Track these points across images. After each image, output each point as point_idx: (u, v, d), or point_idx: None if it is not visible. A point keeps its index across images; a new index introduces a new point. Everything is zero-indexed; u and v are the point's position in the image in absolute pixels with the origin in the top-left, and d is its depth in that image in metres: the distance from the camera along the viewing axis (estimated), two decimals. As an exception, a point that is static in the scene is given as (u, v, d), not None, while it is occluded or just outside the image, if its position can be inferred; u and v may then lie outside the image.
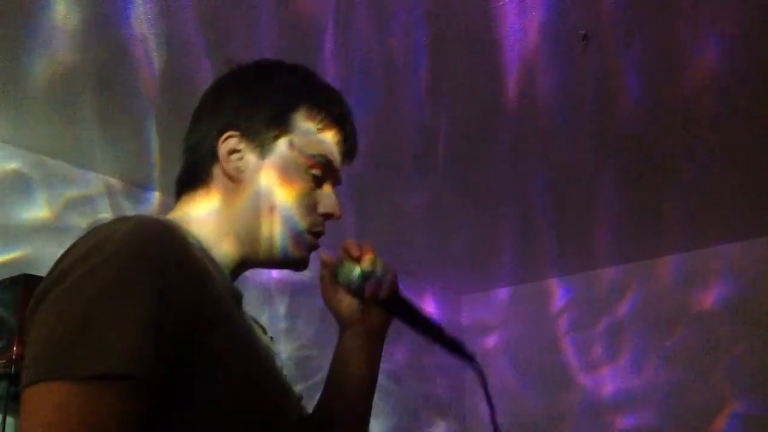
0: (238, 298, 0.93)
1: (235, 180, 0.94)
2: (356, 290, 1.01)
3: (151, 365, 0.72)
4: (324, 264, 1.01)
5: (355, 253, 1.00)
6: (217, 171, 0.95)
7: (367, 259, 1.00)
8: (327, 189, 0.98)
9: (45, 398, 0.70)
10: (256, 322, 1.05)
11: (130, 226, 0.78)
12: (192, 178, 0.97)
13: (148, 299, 0.73)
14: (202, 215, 0.94)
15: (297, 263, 0.98)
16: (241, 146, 0.94)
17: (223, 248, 0.93)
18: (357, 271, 0.99)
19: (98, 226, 0.81)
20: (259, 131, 0.95)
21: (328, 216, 0.98)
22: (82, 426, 0.69)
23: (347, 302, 1.03)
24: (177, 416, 0.76)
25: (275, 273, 3.03)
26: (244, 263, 0.96)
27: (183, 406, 0.76)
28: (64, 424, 0.68)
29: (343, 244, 1.02)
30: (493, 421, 0.97)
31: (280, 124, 0.95)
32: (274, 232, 0.94)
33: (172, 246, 0.79)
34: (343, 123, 1.00)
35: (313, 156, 0.95)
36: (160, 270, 0.75)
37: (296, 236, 0.95)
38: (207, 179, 0.95)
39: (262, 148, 0.94)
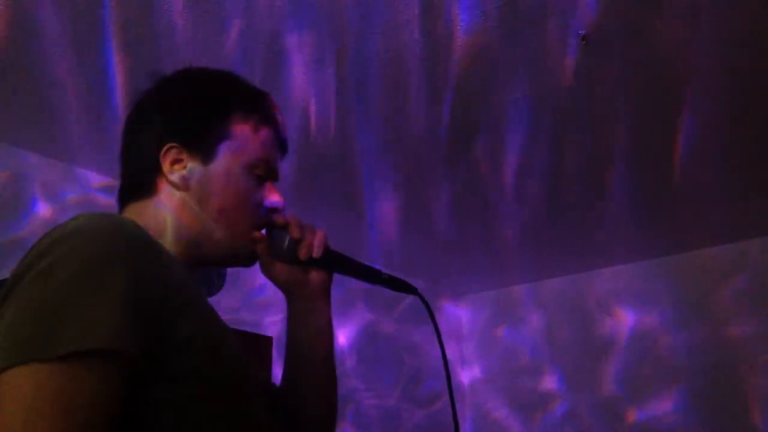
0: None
1: (181, 188, 0.99)
2: (291, 257, 1.05)
3: (129, 341, 0.74)
4: (256, 240, 1.03)
5: (281, 223, 1.05)
6: (161, 181, 1.00)
7: (294, 226, 1.04)
8: (269, 185, 1.05)
9: (23, 381, 0.69)
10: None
11: (96, 217, 0.82)
12: (136, 189, 1.01)
13: (123, 278, 0.76)
14: (154, 222, 0.98)
15: (247, 259, 1.05)
16: (183, 156, 0.99)
17: (176, 250, 0.98)
18: (287, 239, 1.04)
19: (62, 223, 0.83)
20: (198, 140, 1.00)
21: (274, 210, 1.04)
22: (64, 405, 0.69)
23: (285, 271, 1.06)
24: (152, 394, 0.77)
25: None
26: (198, 262, 1.01)
27: (159, 385, 0.78)
28: (46, 405, 0.68)
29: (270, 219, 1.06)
30: (441, 346, 1.06)
31: (219, 131, 1.00)
32: (225, 233, 0.99)
33: (138, 233, 0.84)
34: (273, 121, 1.06)
35: (254, 158, 1.01)
36: (131, 253, 0.79)
37: (245, 234, 1.01)
38: (152, 189, 1.00)
39: (204, 155, 0.99)
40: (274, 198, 1.04)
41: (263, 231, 1.05)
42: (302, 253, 1.04)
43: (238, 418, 0.84)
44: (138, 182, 1.02)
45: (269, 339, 3.25)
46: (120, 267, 0.77)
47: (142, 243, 0.83)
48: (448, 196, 2.96)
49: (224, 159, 1.00)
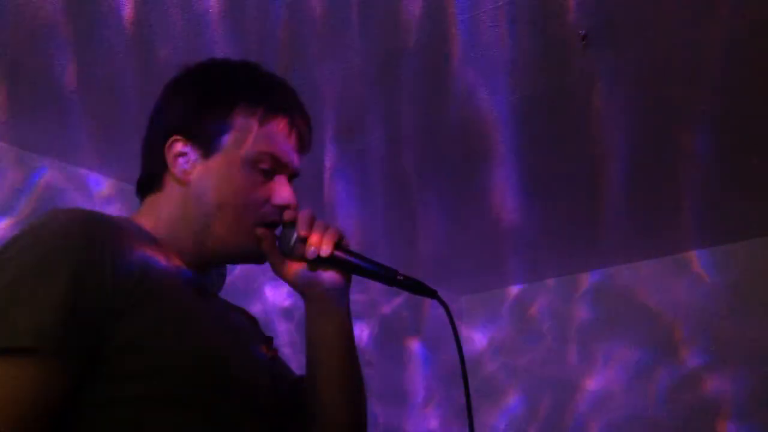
0: (199, 287, 0.96)
1: (183, 182, 0.97)
2: (299, 255, 1.00)
3: (59, 340, 0.76)
4: (262, 238, 0.99)
5: (290, 219, 1.00)
6: (167, 175, 0.99)
7: (302, 222, 0.99)
8: (279, 180, 1.00)
9: None
10: (243, 311, 1.11)
11: (56, 214, 0.85)
12: (149, 183, 1.01)
13: (64, 279, 0.78)
14: (158, 217, 0.98)
15: (252, 257, 1.01)
16: (187, 149, 0.97)
17: (180, 246, 0.97)
18: (294, 236, 0.99)
19: (38, 216, 0.88)
20: (201, 132, 0.97)
21: (282, 206, 0.99)
22: None
23: (296, 270, 1.01)
24: (98, 394, 0.80)
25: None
26: (205, 259, 0.99)
27: (109, 380, 0.80)
28: None
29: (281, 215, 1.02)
30: (459, 350, 1.01)
31: (221, 123, 0.97)
32: (225, 229, 0.96)
33: (94, 230, 0.84)
34: (289, 112, 1.02)
35: (257, 151, 0.97)
36: (80, 253, 0.80)
37: (247, 231, 0.97)
38: (159, 183, 1.00)
39: (206, 149, 0.97)
40: (283, 193, 1.00)
41: (278, 229, 1.01)
42: (309, 252, 0.99)
43: (193, 423, 0.83)
44: (150, 177, 1.01)
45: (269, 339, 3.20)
46: (64, 268, 0.79)
47: (97, 241, 0.82)
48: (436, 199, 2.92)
49: (225, 152, 0.97)
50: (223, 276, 3.09)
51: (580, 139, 2.48)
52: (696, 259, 3.35)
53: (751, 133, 2.45)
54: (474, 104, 2.25)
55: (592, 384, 3.44)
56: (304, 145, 1.05)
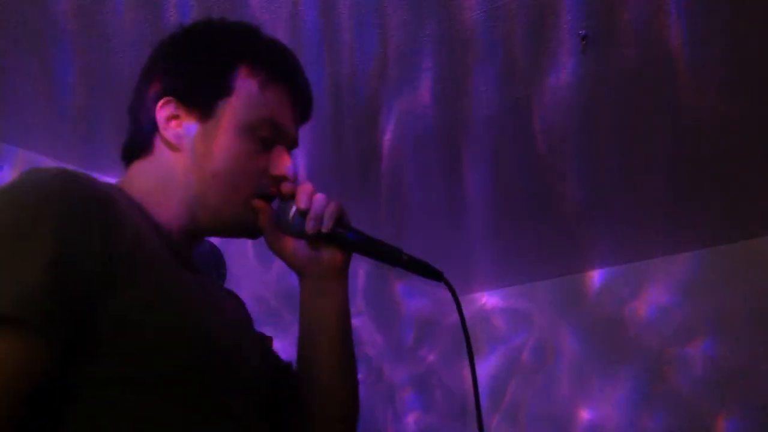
0: (188, 261, 0.90)
1: (175, 147, 0.91)
2: (297, 230, 0.94)
3: (47, 312, 0.68)
4: (260, 211, 0.93)
5: (288, 192, 0.94)
6: (157, 139, 0.92)
7: (302, 195, 0.93)
8: (278, 150, 0.94)
9: None
10: (230, 291, 1.05)
11: (38, 173, 0.76)
12: (137, 147, 0.94)
13: (50, 243, 0.70)
14: (146, 184, 0.90)
15: (246, 230, 0.95)
16: (180, 111, 0.91)
17: (168, 215, 0.89)
18: (293, 209, 0.93)
19: (15, 177, 0.78)
20: (196, 94, 0.91)
21: (280, 178, 0.94)
22: None
23: (293, 246, 0.96)
24: (89, 370, 0.72)
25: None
26: (195, 230, 0.92)
27: (96, 359, 0.72)
28: None
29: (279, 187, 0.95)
30: (466, 334, 0.97)
31: (219, 86, 0.91)
32: (219, 198, 0.90)
33: (82, 194, 0.75)
34: (291, 79, 0.96)
35: (257, 117, 0.91)
36: (65, 215, 0.72)
37: (242, 202, 0.91)
38: (148, 147, 0.92)
39: (201, 113, 0.91)
40: (282, 164, 0.93)
41: (275, 202, 0.95)
42: (309, 226, 0.92)
43: (186, 403, 0.76)
44: (138, 140, 0.94)
45: (269, 339, 3.17)
46: (49, 231, 0.70)
47: (82, 204, 0.74)
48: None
49: (223, 117, 0.90)
50: (224, 276, 3.03)
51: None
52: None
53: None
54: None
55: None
56: (304, 116, 1.00)
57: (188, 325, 0.79)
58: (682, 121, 2.31)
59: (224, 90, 0.91)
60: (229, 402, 0.81)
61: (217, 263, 2.58)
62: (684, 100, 2.20)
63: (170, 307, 0.78)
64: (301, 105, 0.98)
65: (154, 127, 0.92)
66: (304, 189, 0.93)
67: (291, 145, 0.97)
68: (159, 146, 0.92)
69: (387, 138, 2.44)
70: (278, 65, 0.95)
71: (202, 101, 0.91)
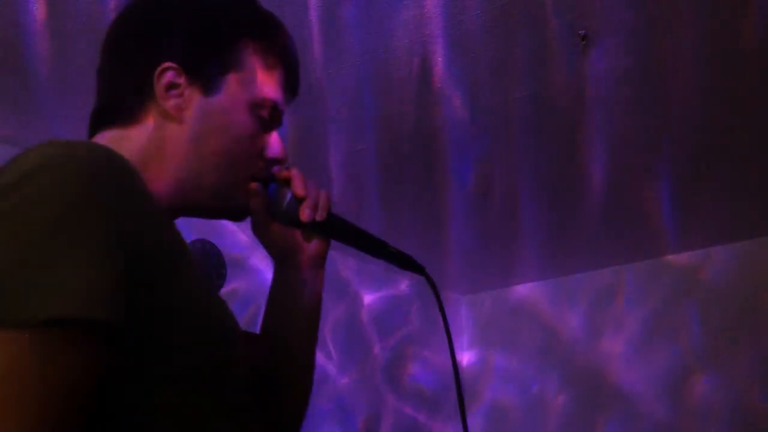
0: None
1: (174, 118, 0.84)
2: (291, 218, 0.92)
3: (114, 307, 0.61)
4: (253, 194, 0.89)
5: (283, 177, 0.91)
6: (150, 106, 0.84)
7: (298, 182, 0.91)
8: (272, 132, 0.91)
9: None
10: None
11: (76, 147, 0.67)
12: (115, 113, 0.85)
13: (105, 229, 0.62)
14: (130, 154, 0.78)
15: (235, 213, 0.91)
16: (181, 80, 0.84)
17: (155, 191, 0.80)
18: (288, 195, 0.91)
19: (21, 153, 0.67)
20: (202, 65, 0.85)
21: (275, 161, 0.91)
22: (40, 380, 0.57)
23: (280, 233, 0.94)
24: (133, 366, 0.65)
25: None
26: (179, 208, 0.86)
27: (141, 352, 0.65)
28: (18, 378, 0.57)
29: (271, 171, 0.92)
30: (447, 331, 0.96)
31: (228, 58, 0.86)
32: (217, 178, 0.85)
33: (127, 171, 0.70)
34: (287, 58, 0.92)
35: (262, 97, 0.87)
36: (116, 199, 0.65)
37: (240, 183, 0.88)
38: (137, 115, 0.84)
39: (207, 85, 0.85)
40: (277, 147, 0.90)
41: (271, 186, 0.91)
42: (305, 214, 0.90)
43: (211, 406, 0.71)
44: (118, 105, 0.85)
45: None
46: (103, 214, 0.63)
47: (131, 183, 0.69)
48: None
49: (230, 93, 0.85)
50: (224, 276, 3.03)
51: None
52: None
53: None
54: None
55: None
56: (294, 96, 0.95)
57: (216, 314, 0.76)
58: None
59: (233, 64, 0.86)
60: (238, 395, 0.77)
61: (217, 263, 2.58)
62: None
63: (201, 294, 0.74)
64: (292, 89, 0.94)
65: (146, 94, 0.84)
66: (299, 175, 0.91)
67: (280, 126, 0.93)
68: (152, 115, 0.84)
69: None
70: (279, 42, 0.91)
71: (206, 73, 0.85)
